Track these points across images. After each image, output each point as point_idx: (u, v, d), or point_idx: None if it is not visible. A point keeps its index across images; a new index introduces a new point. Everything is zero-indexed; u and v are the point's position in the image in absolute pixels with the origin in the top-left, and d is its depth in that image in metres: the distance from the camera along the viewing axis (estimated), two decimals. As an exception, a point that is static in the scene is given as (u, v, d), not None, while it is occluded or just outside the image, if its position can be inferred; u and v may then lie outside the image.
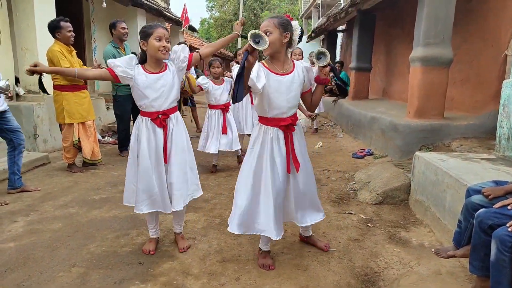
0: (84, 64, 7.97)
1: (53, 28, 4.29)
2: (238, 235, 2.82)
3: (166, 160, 2.44)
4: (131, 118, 5.69)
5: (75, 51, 4.56)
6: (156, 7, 8.96)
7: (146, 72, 2.39)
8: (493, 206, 1.88)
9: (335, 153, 5.73)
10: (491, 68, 4.49)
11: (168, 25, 11.24)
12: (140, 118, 2.47)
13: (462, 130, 4.34)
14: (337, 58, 12.50)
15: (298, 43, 2.31)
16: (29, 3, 5.26)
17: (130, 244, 2.74)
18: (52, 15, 5.46)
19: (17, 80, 5.56)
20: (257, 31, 2.02)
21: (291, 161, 2.32)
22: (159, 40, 2.33)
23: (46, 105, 5.38)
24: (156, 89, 2.39)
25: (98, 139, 6.31)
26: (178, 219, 2.69)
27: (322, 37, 12.65)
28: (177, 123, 2.52)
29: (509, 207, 1.83)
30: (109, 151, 5.91)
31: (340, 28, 11.14)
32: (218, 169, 4.84)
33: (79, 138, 4.54)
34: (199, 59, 2.58)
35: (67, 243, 2.73)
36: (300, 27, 2.29)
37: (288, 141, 2.30)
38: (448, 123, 4.39)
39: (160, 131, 2.42)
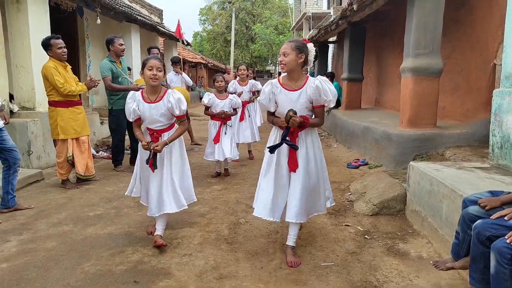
0: (79, 79, 8.01)
1: (45, 46, 4.32)
2: (235, 251, 2.81)
3: (153, 169, 2.88)
4: (126, 132, 5.68)
5: (69, 67, 4.57)
6: (149, 22, 9.02)
7: (144, 100, 2.88)
8: (490, 217, 1.88)
9: (330, 163, 5.72)
10: (481, 76, 4.56)
11: (161, 39, 11.30)
12: (143, 128, 2.99)
13: (455, 139, 4.38)
14: (329, 69, 12.62)
15: (314, 62, 2.69)
16: (24, 22, 5.29)
17: (126, 262, 2.70)
18: (47, 33, 5.48)
19: (11, 97, 5.54)
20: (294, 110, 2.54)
21: (300, 161, 2.64)
22: (150, 70, 2.77)
23: (40, 121, 5.36)
24: (150, 115, 2.87)
25: (92, 153, 6.29)
26: (160, 223, 2.98)
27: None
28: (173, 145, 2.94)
29: (506, 218, 1.83)
30: (103, 166, 5.86)
31: (331, 39, 11.28)
32: (213, 182, 4.85)
33: (73, 154, 4.51)
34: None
35: (61, 263, 2.68)
36: (316, 49, 2.67)
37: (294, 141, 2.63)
38: (441, 132, 4.43)
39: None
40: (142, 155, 2.97)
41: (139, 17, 8.28)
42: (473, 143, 4.31)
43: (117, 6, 7.26)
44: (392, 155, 4.62)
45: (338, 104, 8.52)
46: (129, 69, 7.48)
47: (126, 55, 8.35)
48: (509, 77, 3.09)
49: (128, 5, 11.44)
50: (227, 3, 39.11)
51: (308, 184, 2.67)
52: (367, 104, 8.64)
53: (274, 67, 43.87)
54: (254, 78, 6.68)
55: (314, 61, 2.67)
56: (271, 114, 2.77)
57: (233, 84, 6.21)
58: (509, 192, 2.01)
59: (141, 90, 2.95)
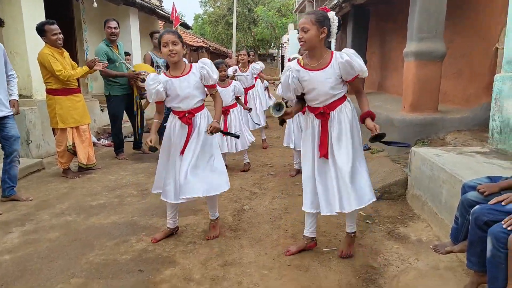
0: (77, 65, 7.92)
1: (39, 32, 4.21)
2: (239, 238, 2.84)
3: (182, 152, 2.68)
4: (128, 118, 5.66)
5: (67, 53, 4.49)
6: (148, 5, 8.88)
7: (169, 77, 2.66)
8: (488, 203, 1.89)
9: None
10: (483, 61, 4.50)
11: (161, 23, 11.16)
12: (171, 116, 2.76)
13: (456, 123, 4.35)
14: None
15: (337, 34, 2.37)
16: (17, 7, 5.19)
17: (130, 251, 2.74)
18: (41, 18, 5.39)
19: (7, 85, 5.50)
20: (277, 101, 2.38)
21: (330, 147, 2.41)
22: (166, 46, 2.57)
23: (38, 109, 5.33)
24: (180, 90, 2.64)
25: (93, 142, 6.30)
26: (210, 206, 2.91)
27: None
28: (205, 120, 2.74)
29: (503, 203, 1.84)
30: (104, 154, 5.88)
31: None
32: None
33: (73, 143, 4.49)
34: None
35: (65, 253, 2.71)
36: (338, 18, 2.34)
37: (324, 128, 2.40)
38: (442, 117, 4.40)
39: (185, 127, 2.69)
40: (173, 139, 2.72)
41: (137, 0, 8.14)
42: (473, 127, 4.29)
43: (114, -10, 7.13)
44: (394, 139, 4.60)
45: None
46: (128, 54, 7.40)
47: (124, 39, 8.30)
48: (510, 62, 3.06)
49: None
50: (228, -16, 38.45)
51: (343, 170, 2.36)
52: (370, 88, 8.57)
53: (277, 50, 43.35)
54: (249, 54, 6.46)
55: (337, 32, 2.35)
56: (297, 103, 2.51)
57: (235, 71, 6.17)
58: (507, 178, 2.01)
59: (162, 72, 2.73)
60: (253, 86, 6.27)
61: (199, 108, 2.74)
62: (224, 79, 4.71)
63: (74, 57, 7.96)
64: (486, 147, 3.27)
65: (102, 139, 6.68)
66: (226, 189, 2.78)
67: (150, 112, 8.59)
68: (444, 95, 5.14)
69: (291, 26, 23.47)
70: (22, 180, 4.38)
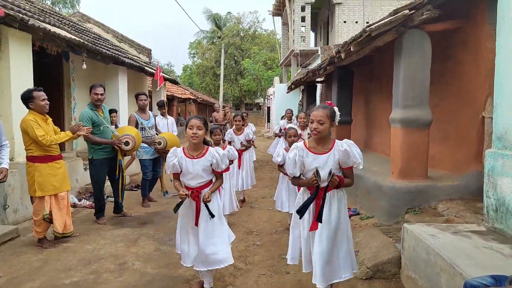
0: (63, 123, 7.82)
1: (26, 99, 4.15)
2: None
3: (197, 223, 3.03)
4: (109, 182, 5.48)
5: (50, 119, 4.42)
6: (137, 64, 9.00)
7: (186, 156, 3.01)
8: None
9: (321, 212, 5.59)
10: (470, 127, 4.54)
11: (149, 79, 11.28)
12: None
13: (447, 191, 4.30)
14: (318, 107, 12.66)
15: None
16: (6, 70, 5.15)
17: None
18: (30, 82, 5.42)
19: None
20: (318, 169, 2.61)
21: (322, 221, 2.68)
22: (191, 129, 2.94)
23: (18, 172, 5.13)
24: (193, 170, 2.99)
25: (74, 203, 6.06)
26: (209, 275, 3.18)
27: (302, 87, 12.91)
28: (213, 196, 3.03)
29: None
30: (84, 216, 5.61)
31: (318, 79, 11.41)
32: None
33: (50, 211, 4.28)
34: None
35: None
36: (338, 113, 2.76)
37: (319, 202, 2.66)
38: (433, 184, 4.35)
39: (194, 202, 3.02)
40: (185, 211, 3.09)
41: (126, 60, 8.24)
42: (466, 195, 4.23)
43: (103, 50, 7.22)
44: (384, 207, 4.51)
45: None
46: (114, 111, 7.34)
47: (113, 97, 8.30)
48: (501, 138, 3.05)
49: (117, 45, 11.52)
50: (216, 38, 39.97)
51: (329, 245, 2.66)
52: (357, 145, 8.60)
53: (263, 99, 44.42)
54: (243, 118, 6.51)
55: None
56: (296, 178, 2.81)
57: (229, 134, 6.32)
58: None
59: (182, 147, 3.07)
60: (246, 148, 6.25)
61: (205, 186, 3.04)
62: (218, 143, 4.71)
63: (61, 114, 7.87)
64: (482, 225, 3.17)
65: (83, 200, 6.41)
66: (231, 263, 3.11)
67: (135, 168, 8.41)
68: (433, 159, 5.12)
69: (276, 79, 24.16)
70: (-7, 251, 4.07)
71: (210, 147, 3.09)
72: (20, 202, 5.18)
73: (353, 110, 8.09)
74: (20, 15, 4.89)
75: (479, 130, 4.33)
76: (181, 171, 3.03)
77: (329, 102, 2.84)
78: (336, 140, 2.75)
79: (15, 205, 5.11)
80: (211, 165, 3.01)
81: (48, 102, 4.26)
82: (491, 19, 4.02)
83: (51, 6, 31.36)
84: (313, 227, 2.70)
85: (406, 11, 4.13)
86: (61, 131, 4.55)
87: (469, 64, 4.61)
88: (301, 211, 2.70)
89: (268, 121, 27.79)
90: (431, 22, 4.32)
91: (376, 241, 3.68)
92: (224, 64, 30.81)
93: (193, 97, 22.05)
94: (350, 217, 5.08)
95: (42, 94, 4.18)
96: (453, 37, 4.83)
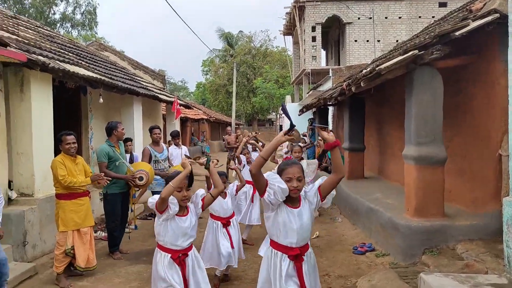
0: (81, 153, 7.97)
1: (58, 141, 4.52)
2: None
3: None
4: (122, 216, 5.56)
5: (81, 159, 4.73)
6: (152, 94, 9.19)
7: (176, 214, 2.85)
8: None
9: (335, 246, 5.53)
10: (486, 165, 4.47)
11: (163, 105, 11.49)
12: (159, 253, 2.88)
13: (465, 231, 4.21)
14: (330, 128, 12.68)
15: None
16: (27, 111, 5.32)
17: None
18: (50, 121, 5.67)
19: (10, 184, 5.48)
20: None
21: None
22: (180, 191, 2.82)
23: (38, 208, 5.25)
24: (183, 230, 2.85)
25: (90, 234, 6.14)
26: None
27: (313, 109, 12.95)
28: (196, 259, 2.95)
29: None
30: (99, 250, 5.63)
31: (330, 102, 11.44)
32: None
33: (72, 246, 4.43)
34: (211, 199, 3.07)
35: None
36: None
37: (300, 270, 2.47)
38: (450, 224, 4.27)
39: (178, 268, 2.82)
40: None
41: (141, 90, 8.43)
42: (485, 236, 4.13)
43: (119, 84, 7.42)
44: (400, 246, 4.45)
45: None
46: (130, 139, 7.50)
47: (128, 125, 8.47)
48: (518, 188, 3.01)
49: (132, 73, 11.80)
50: (228, 56, 40.58)
51: None
52: (371, 171, 8.55)
53: (275, 115, 44.62)
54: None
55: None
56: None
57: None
58: None
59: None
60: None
61: (190, 247, 2.93)
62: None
63: (79, 144, 8.03)
64: (504, 276, 3.10)
65: (99, 231, 6.49)
66: None
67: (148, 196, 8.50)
68: (449, 194, 5.04)
69: (288, 98, 24.29)
70: (12, 292, 4.14)
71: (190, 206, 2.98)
72: (38, 237, 5.28)
73: (365, 136, 8.07)
74: (41, 58, 5.08)
75: (496, 168, 4.27)
76: (170, 234, 2.85)
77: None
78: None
79: (34, 240, 5.20)
80: (195, 209, 2.98)
81: (74, 146, 4.52)
82: (503, 55, 4.01)
83: (70, 29, 32.33)
84: None
85: (416, 51, 4.15)
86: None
87: (482, 99, 4.58)
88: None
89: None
90: (442, 58, 4.31)
91: (392, 287, 3.62)
92: (236, 82, 31.18)
93: (206, 117, 22.32)
94: (364, 253, 5.07)
95: (69, 139, 4.48)
96: (464, 72, 4.82)
